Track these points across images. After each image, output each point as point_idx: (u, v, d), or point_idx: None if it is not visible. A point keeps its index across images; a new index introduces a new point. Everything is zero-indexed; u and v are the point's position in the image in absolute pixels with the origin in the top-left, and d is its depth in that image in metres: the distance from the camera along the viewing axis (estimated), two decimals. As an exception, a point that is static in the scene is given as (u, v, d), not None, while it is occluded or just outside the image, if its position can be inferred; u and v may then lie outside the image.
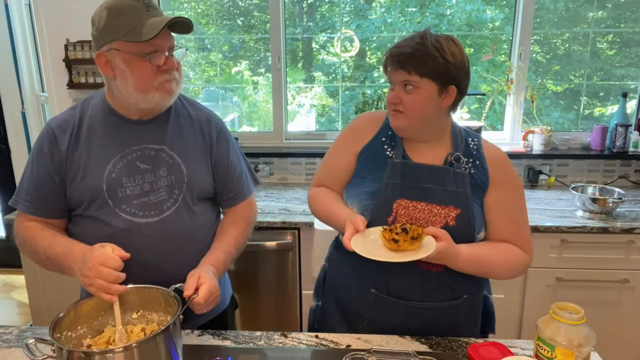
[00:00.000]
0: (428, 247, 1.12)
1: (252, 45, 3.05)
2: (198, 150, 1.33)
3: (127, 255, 1.11)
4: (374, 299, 1.27)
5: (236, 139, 2.77)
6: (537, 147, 2.73)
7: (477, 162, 1.27)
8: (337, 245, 1.42)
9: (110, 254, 1.09)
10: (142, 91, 1.18)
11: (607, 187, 2.37)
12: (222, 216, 1.45)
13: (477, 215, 1.23)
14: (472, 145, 1.29)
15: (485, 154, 1.28)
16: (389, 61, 1.21)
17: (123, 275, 1.08)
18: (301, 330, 2.26)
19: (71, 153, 1.22)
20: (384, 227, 1.17)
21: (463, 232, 1.21)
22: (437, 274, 1.23)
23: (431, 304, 1.25)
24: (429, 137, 1.27)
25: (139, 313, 1.16)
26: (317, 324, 1.45)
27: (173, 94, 1.23)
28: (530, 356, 1.11)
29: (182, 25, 1.17)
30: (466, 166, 1.25)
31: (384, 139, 1.31)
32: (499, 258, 1.24)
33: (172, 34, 1.21)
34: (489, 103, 2.80)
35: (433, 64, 1.15)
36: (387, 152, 1.29)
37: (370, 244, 1.15)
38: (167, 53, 1.18)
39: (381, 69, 1.34)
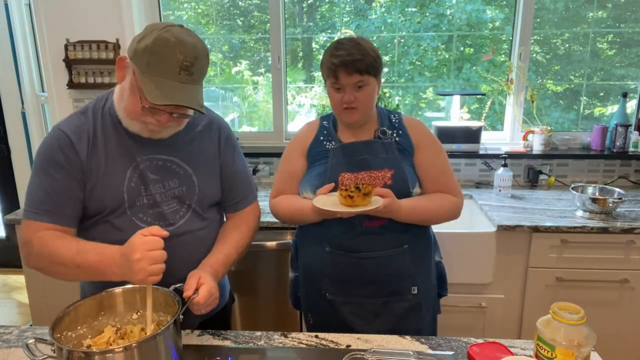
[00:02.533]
0: (376, 202, 1.36)
1: (252, 45, 3.05)
2: (208, 158, 1.33)
3: (166, 233, 1.08)
4: (330, 255, 1.50)
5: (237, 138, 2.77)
6: (537, 147, 2.73)
7: (401, 131, 1.54)
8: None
9: (150, 237, 1.06)
10: (128, 114, 1.17)
11: (607, 187, 2.36)
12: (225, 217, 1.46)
13: (408, 173, 1.48)
14: (394, 120, 1.57)
15: (406, 125, 1.56)
16: (341, 69, 1.40)
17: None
18: (301, 330, 2.26)
19: (90, 161, 1.20)
20: (341, 188, 1.40)
21: (400, 188, 1.45)
22: (380, 227, 1.46)
23: (378, 253, 1.47)
24: (367, 120, 1.53)
25: (139, 313, 1.16)
26: (298, 292, 1.67)
27: (159, 134, 1.21)
28: (530, 356, 1.11)
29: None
30: (391, 137, 1.52)
31: (321, 137, 1.56)
32: (434, 205, 1.50)
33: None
34: (489, 103, 2.80)
35: (374, 62, 1.42)
36: (327, 145, 1.54)
37: (330, 204, 1.38)
38: (167, 111, 1.14)
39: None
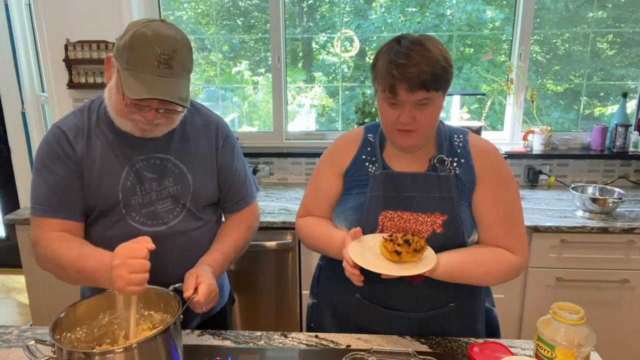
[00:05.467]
0: (428, 260, 1.09)
1: (252, 45, 3.05)
2: (204, 158, 1.32)
3: (152, 246, 1.04)
4: (358, 304, 1.27)
5: (236, 139, 2.77)
6: (537, 147, 2.73)
7: (462, 160, 1.22)
8: None
9: (134, 245, 1.03)
10: (117, 113, 1.17)
11: (607, 187, 2.37)
12: (223, 218, 1.45)
13: (465, 219, 1.18)
14: (457, 143, 1.24)
15: (472, 149, 1.23)
16: (402, 83, 1.08)
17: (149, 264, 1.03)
18: (301, 330, 2.26)
19: (86, 157, 1.20)
20: (384, 236, 1.13)
21: (452, 238, 1.17)
22: (423, 284, 1.19)
23: (417, 314, 1.23)
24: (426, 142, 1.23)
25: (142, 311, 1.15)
26: (313, 322, 1.44)
27: (151, 133, 1.19)
28: (530, 356, 1.11)
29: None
30: (451, 167, 1.21)
31: (364, 156, 1.28)
32: (482, 266, 1.18)
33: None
34: (489, 103, 2.80)
35: (444, 74, 1.10)
36: (369, 169, 1.25)
37: (369, 253, 1.12)
38: (153, 107, 1.12)
39: None
